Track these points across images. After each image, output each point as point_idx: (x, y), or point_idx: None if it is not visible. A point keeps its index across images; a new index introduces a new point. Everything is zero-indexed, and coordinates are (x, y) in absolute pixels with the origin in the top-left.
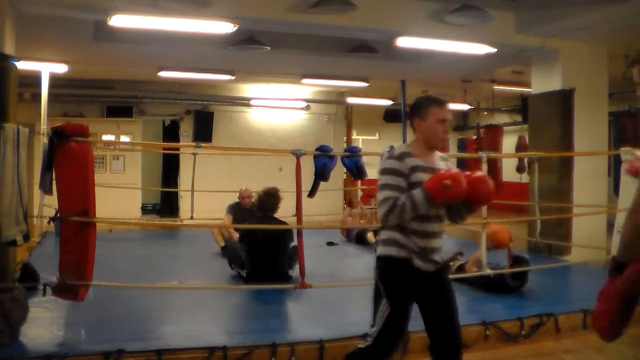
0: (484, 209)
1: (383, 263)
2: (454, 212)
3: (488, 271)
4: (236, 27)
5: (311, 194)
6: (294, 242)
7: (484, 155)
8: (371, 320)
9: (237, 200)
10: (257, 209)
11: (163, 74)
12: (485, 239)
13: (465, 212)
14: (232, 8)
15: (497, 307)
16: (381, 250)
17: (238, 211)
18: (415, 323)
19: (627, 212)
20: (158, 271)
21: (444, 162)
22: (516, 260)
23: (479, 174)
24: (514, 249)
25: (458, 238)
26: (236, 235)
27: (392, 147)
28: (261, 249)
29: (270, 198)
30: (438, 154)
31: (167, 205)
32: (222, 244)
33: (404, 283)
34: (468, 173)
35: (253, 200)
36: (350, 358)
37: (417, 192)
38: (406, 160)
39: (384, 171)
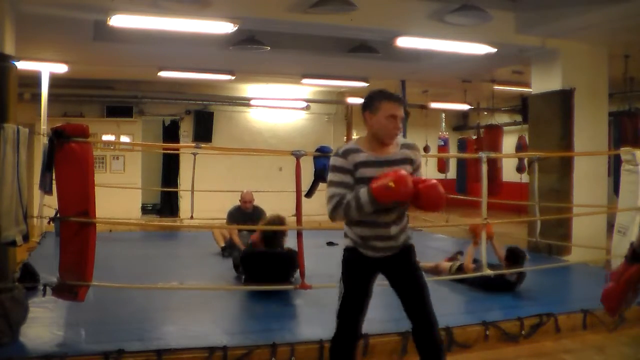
0: (484, 209)
1: (343, 251)
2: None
3: (488, 271)
4: (236, 27)
5: (309, 194)
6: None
7: (484, 155)
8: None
9: (238, 204)
10: (260, 242)
11: (163, 74)
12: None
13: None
14: (232, 8)
15: (497, 307)
16: (342, 241)
17: (239, 217)
18: None
19: None
20: (158, 271)
21: (407, 150)
22: (512, 252)
23: (432, 181)
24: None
25: (458, 238)
26: (237, 239)
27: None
28: (261, 277)
29: (275, 235)
30: (400, 142)
31: (167, 205)
32: (222, 244)
33: (353, 267)
34: (423, 178)
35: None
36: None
37: (362, 192)
38: (350, 157)
39: (330, 168)
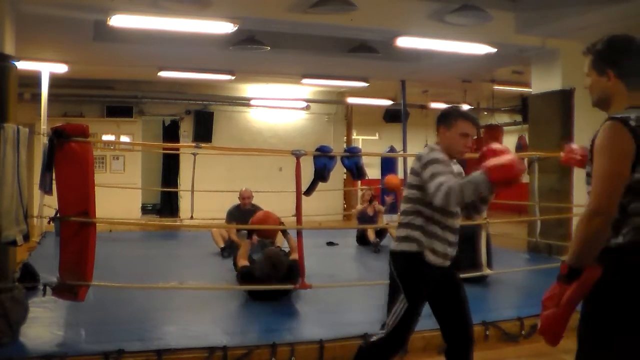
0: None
1: (400, 259)
2: (469, 206)
3: (488, 271)
4: (236, 27)
5: (308, 192)
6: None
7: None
8: (386, 314)
9: (237, 202)
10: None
11: (163, 74)
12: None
13: (483, 205)
14: (232, 8)
15: (497, 307)
16: (397, 246)
17: (238, 216)
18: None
19: (579, 219)
20: (158, 271)
21: (457, 166)
22: None
23: (494, 148)
24: None
25: None
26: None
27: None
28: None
29: (273, 270)
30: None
31: (167, 205)
32: (222, 245)
33: (423, 280)
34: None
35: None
36: (363, 350)
37: (476, 174)
38: (444, 155)
39: (433, 161)
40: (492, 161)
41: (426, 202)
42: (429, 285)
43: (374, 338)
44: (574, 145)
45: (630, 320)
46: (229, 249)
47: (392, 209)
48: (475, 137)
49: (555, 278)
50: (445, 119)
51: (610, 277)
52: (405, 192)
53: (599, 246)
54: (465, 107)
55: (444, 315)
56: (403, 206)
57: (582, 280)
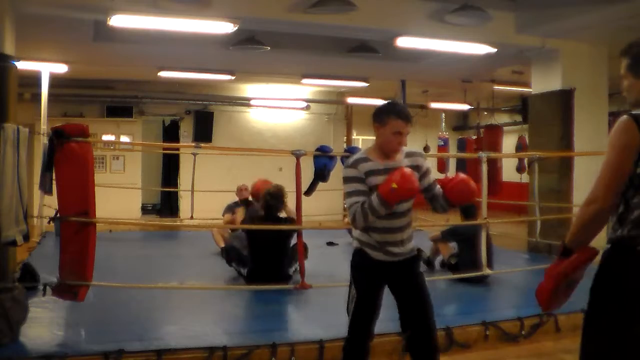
0: (484, 209)
1: (352, 255)
2: (435, 204)
3: (488, 271)
4: (236, 27)
5: (308, 192)
6: (294, 241)
7: (484, 155)
8: (346, 309)
9: (236, 199)
10: (261, 209)
11: (163, 74)
12: None
13: (446, 205)
14: (232, 8)
15: (497, 307)
16: (353, 244)
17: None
18: None
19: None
20: (158, 271)
21: (412, 157)
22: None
23: (460, 177)
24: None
25: None
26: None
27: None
28: (264, 249)
29: (274, 200)
30: (405, 150)
31: (167, 205)
32: (222, 245)
33: (365, 271)
34: (450, 177)
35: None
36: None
37: (373, 197)
38: (360, 166)
39: (344, 180)
40: (384, 184)
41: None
42: (370, 276)
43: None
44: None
45: (629, 309)
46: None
47: None
48: (408, 133)
49: None
50: (378, 116)
51: (611, 268)
52: None
53: (594, 231)
54: (466, 107)
55: (401, 307)
56: None
57: (574, 257)
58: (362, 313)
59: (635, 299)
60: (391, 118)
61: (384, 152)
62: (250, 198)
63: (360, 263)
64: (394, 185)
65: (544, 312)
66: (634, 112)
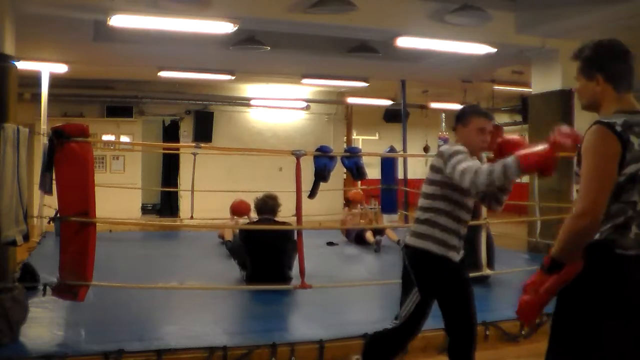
0: (484, 209)
1: (419, 256)
2: (490, 198)
3: (488, 271)
4: (236, 27)
5: (311, 194)
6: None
7: (484, 155)
8: (399, 305)
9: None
10: (256, 212)
11: (163, 74)
12: None
13: (503, 195)
14: (232, 8)
15: (497, 307)
16: (415, 242)
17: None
18: None
19: (569, 216)
20: (158, 271)
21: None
22: None
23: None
24: None
25: None
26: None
27: (392, 147)
28: (262, 251)
29: (270, 200)
30: (482, 156)
31: (167, 205)
32: (229, 238)
33: (457, 275)
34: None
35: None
36: (375, 336)
37: (507, 160)
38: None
39: (456, 152)
40: (525, 149)
41: (446, 198)
42: (442, 279)
43: (386, 327)
44: (566, 128)
45: (602, 316)
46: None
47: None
48: (491, 131)
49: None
50: (461, 117)
51: (590, 271)
52: (424, 188)
53: (583, 244)
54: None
55: (449, 310)
56: (421, 202)
57: (562, 273)
58: (418, 316)
59: (616, 300)
60: (473, 116)
61: (471, 152)
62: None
63: (431, 266)
64: (542, 152)
65: (529, 327)
66: (604, 119)
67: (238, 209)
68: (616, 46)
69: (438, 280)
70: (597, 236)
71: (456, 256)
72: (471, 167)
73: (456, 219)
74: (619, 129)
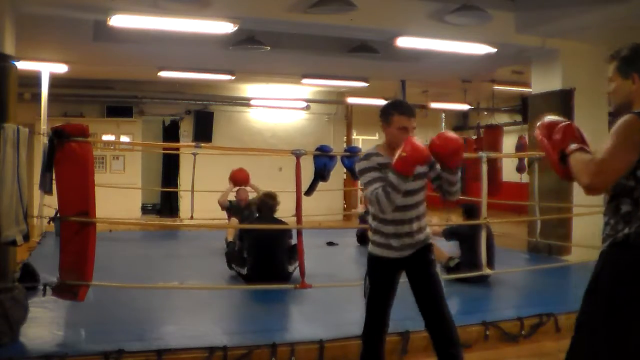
0: (484, 209)
1: (368, 259)
2: (443, 189)
3: (488, 271)
4: (236, 27)
5: (308, 192)
6: (294, 241)
7: (484, 155)
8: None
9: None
10: (256, 211)
11: (163, 74)
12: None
13: (451, 187)
14: (232, 8)
15: (497, 307)
16: (369, 247)
17: (237, 211)
18: (415, 324)
19: (587, 165)
20: (158, 271)
21: None
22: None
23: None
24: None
25: None
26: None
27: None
28: (261, 246)
29: (269, 200)
30: None
31: (167, 205)
32: (230, 239)
33: (380, 272)
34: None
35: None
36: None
37: (389, 175)
38: (372, 159)
39: (359, 173)
40: (395, 157)
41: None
42: (384, 274)
43: None
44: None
45: (628, 310)
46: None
47: None
48: (414, 127)
49: (554, 278)
50: (383, 115)
51: (619, 267)
52: None
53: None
54: (466, 106)
55: (417, 297)
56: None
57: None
58: (375, 305)
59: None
60: (395, 115)
61: (393, 149)
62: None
63: (374, 264)
64: (403, 154)
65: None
66: (637, 111)
67: (237, 178)
68: None
69: (375, 274)
70: (627, 230)
71: (396, 254)
72: (372, 195)
73: (390, 222)
74: None
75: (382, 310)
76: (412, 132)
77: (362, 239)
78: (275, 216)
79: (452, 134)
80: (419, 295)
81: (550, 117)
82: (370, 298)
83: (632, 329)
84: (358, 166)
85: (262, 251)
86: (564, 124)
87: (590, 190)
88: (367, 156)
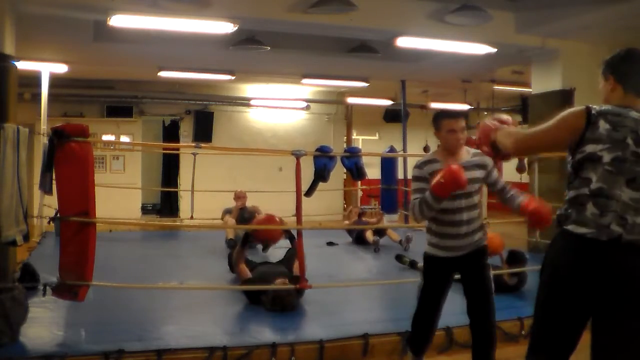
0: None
1: (423, 257)
2: (509, 206)
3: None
4: (236, 27)
5: (308, 193)
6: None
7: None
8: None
9: (234, 204)
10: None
11: (163, 74)
12: None
13: (506, 201)
14: (232, 8)
15: (497, 307)
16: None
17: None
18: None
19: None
20: (158, 271)
21: (477, 157)
22: (513, 256)
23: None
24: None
25: None
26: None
27: (392, 147)
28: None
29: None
30: (469, 152)
31: (167, 205)
32: (231, 237)
33: (433, 271)
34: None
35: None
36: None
37: (426, 193)
38: (426, 167)
39: (412, 179)
40: (435, 180)
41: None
42: (437, 274)
43: None
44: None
45: (550, 279)
46: (235, 242)
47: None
48: (464, 127)
49: None
50: (434, 123)
51: (549, 245)
52: None
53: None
54: (466, 106)
55: (467, 296)
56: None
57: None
58: (427, 300)
59: (554, 269)
60: (443, 120)
61: (448, 152)
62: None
63: (428, 266)
64: (441, 180)
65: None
66: (594, 105)
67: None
68: (629, 51)
69: (428, 273)
70: (559, 211)
71: (448, 254)
72: (411, 203)
73: (443, 223)
74: (593, 111)
75: (430, 305)
76: (462, 134)
77: (359, 239)
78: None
79: (454, 175)
80: (468, 296)
81: (482, 125)
82: (422, 292)
83: (550, 294)
84: (413, 172)
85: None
86: (481, 124)
87: (514, 152)
88: (422, 164)
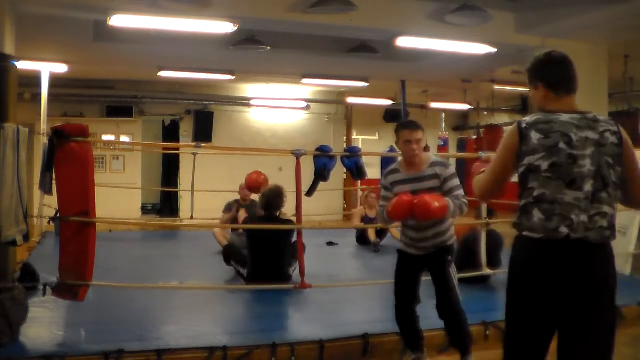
0: (484, 209)
1: (397, 252)
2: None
3: (487, 271)
4: (236, 27)
5: (309, 193)
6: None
7: (483, 155)
8: None
9: (237, 197)
10: (261, 209)
11: (163, 74)
12: None
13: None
14: (232, 8)
15: (497, 307)
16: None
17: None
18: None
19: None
20: (158, 271)
21: (435, 167)
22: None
23: (423, 198)
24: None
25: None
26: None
27: (392, 147)
28: (262, 246)
29: (275, 199)
30: (431, 160)
31: (167, 205)
32: (225, 244)
33: (402, 265)
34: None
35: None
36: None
37: (384, 210)
38: (389, 177)
39: (380, 187)
40: (390, 204)
41: None
42: (404, 265)
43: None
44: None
45: (511, 285)
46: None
47: None
48: (419, 139)
49: None
50: (395, 133)
51: (511, 251)
52: None
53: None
54: (466, 106)
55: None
56: None
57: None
58: (397, 284)
59: (513, 274)
60: (400, 131)
61: (407, 163)
62: (249, 196)
63: (398, 258)
64: (389, 208)
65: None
66: (525, 118)
67: (254, 184)
68: (549, 55)
69: (398, 264)
70: (515, 219)
71: (413, 251)
72: (378, 210)
73: (406, 227)
74: (524, 125)
75: (402, 297)
76: (417, 144)
77: (361, 239)
78: (281, 212)
79: (429, 208)
80: (435, 288)
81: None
82: (395, 285)
83: (513, 300)
84: (380, 180)
85: (264, 252)
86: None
87: (481, 199)
88: (386, 174)
